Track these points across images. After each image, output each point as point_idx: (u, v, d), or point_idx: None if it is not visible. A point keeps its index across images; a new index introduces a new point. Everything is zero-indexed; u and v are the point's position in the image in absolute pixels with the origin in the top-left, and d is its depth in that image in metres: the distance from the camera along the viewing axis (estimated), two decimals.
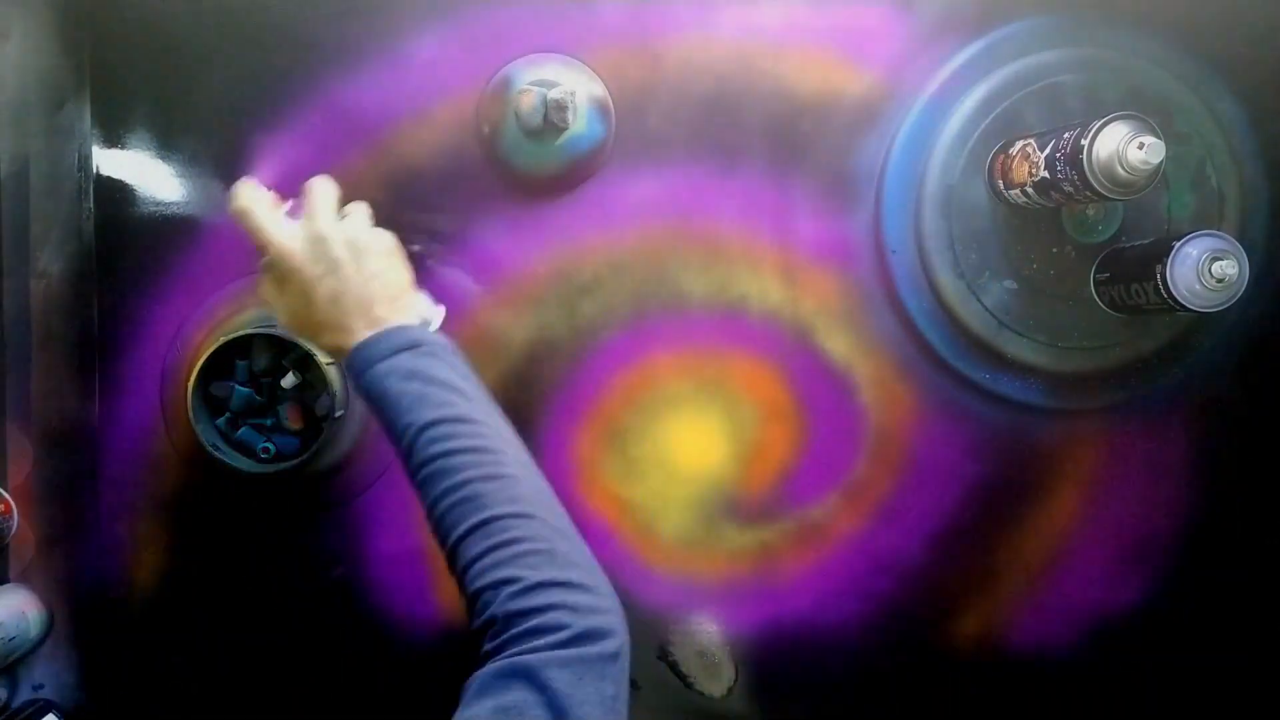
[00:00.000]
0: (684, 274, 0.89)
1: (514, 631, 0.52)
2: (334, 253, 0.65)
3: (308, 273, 0.65)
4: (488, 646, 0.53)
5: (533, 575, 0.54)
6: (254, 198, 0.67)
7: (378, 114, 0.87)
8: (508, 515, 0.56)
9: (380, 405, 0.61)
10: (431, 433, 0.59)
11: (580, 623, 0.53)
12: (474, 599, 0.55)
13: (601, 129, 0.87)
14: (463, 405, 0.61)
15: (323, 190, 0.68)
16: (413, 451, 0.59)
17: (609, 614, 0.55)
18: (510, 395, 0.89)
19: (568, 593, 0.54)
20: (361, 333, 0.64)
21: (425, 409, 0.60)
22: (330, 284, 0.64)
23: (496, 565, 0.54)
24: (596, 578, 0.57)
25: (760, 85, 0.88)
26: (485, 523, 0.56)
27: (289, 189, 0.87)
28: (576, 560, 0.57)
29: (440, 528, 0.58)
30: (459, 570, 0.56)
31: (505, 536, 0.55)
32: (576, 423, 0.90)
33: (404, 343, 0.63)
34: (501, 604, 0.53)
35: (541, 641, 0.51)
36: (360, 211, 0.69)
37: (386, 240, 0.68)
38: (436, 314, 0.70)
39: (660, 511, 0.90)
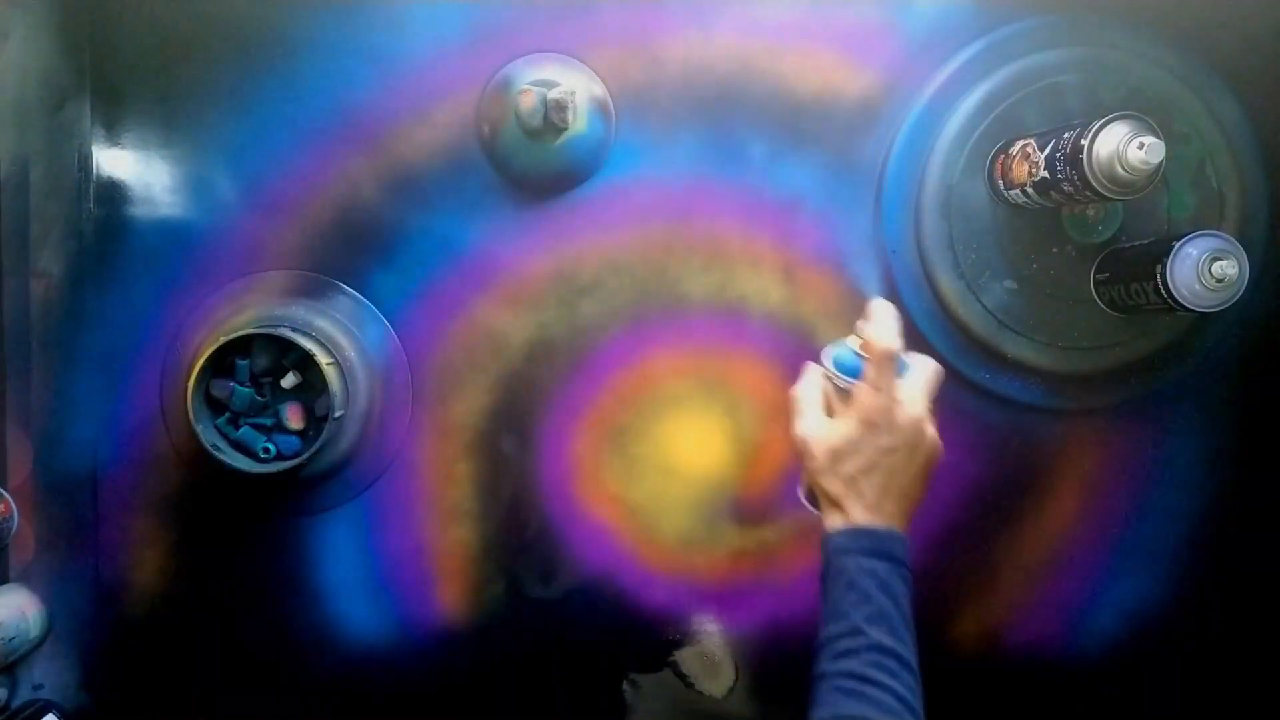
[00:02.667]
0: (684, 274, 0.89)
1: None
2: (917, 439, 0.68)
3: (888, 439, 0.68)
4: None
5: None
6: (897, 344, 0.69)
7: (378, 114, 0.87)
8: None
9: (844, 588, 0.65)
10: (875, 656, 0.63)
11: None
12: None
13: (601, 129, 0.87)
14: (909, 651, 0.65)
15: (936, 374, 0.71)
16: (847, 654, 0.63)
17: None
18: (510, 395, 0.89)
19: None
20: (866, 513, 0.67)
21: (880, 629, 0.63)
22: (891, 460, 0.68)
23: None
24: None
25: (760, 85, 0.88)
26: None
27: (289, 188, 0.87)
28: None
29: None
30: None
31: None
32: (576, 423, 0.90)
33: (900, 555, 0.66)
34: None
35: None
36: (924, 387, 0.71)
37: (938, 453, 0.70)
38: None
39: (660, 512, 0.90)
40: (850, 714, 0.61)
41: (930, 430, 0.70)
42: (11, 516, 0.85)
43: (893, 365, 0.69)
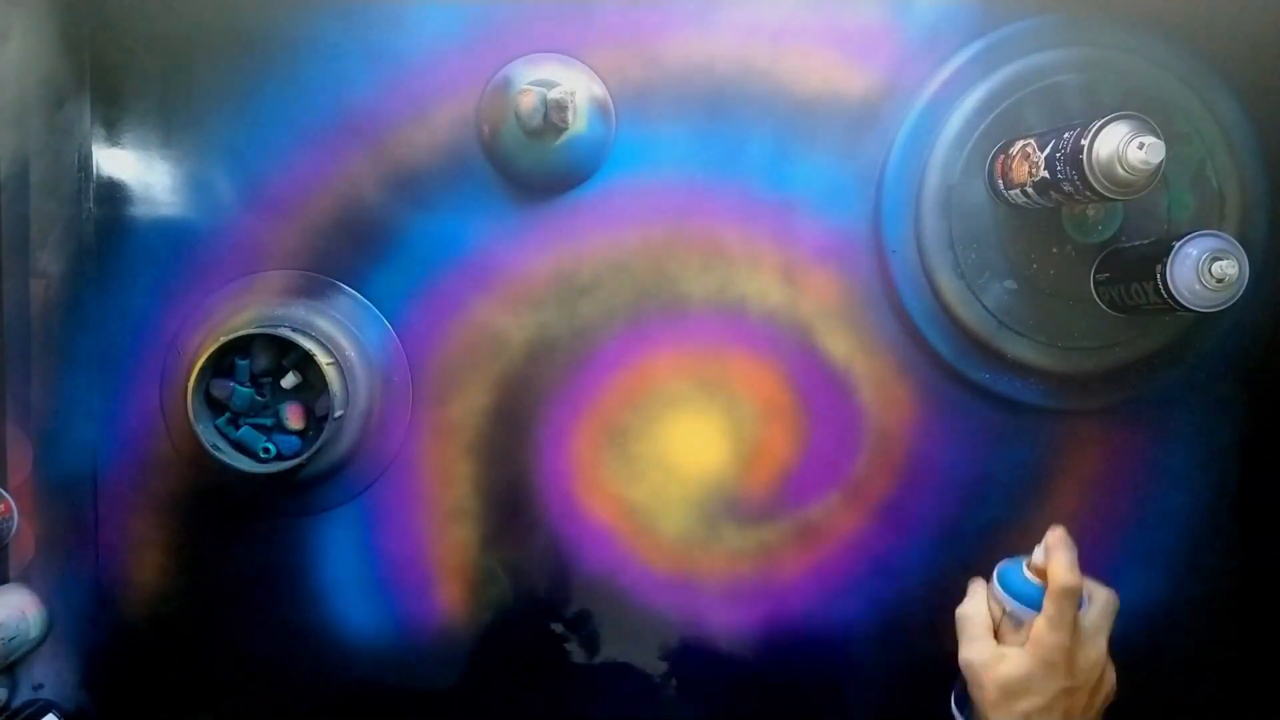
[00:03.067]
0: (684, 274, 0.89)
1: None
2: (1099, 688, 0.68)
3: (1067, 682, 0.66)
4: None
5: None
6: (1081, 581, 0.68)
7: (378, 114, 0.87)
8: None
9: None
10: None
11: None
12: None
13: (601, 129, 0.87)
14: None
15: (1113, 606, 0.70)
16: None
17: None
18: (510, 395, 0.89)
19: None
20: None
21: None
22: (1068, 703, 0.66)
23: None
24: None
25: (760, 85, 0.88)
26: None
27: (289, 188, 0.87)
28: None
29: None
30: None
31: None
32: (576, 423, 0.90)
33: None
34: None
35: None
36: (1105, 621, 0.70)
37: (1113, 688, 0.70)
38: None
39: (660, 512, 0.90)
40: None
41: (1111, 672, 0.69)
42: (11, 516, 0.85)
43: (1075, 602, 0.67)
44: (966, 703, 0.75)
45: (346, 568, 0.90)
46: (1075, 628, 0.67)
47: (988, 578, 0.76)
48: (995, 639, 0.70)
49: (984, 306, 0.87)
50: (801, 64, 0.88)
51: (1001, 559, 0.76)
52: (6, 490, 0.85)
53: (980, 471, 0.91)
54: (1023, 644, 0.68)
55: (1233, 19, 0.86)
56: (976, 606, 0.72)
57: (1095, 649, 0.67)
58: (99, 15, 0.86)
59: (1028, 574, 0.71)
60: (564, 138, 0.84)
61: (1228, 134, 0.86)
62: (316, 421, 0.85)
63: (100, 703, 0.90)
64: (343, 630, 0.90)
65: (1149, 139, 0.71)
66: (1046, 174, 0.77)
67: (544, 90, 0.82)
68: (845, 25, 0.87)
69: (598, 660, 0.91)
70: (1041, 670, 0.66)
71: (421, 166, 0.88)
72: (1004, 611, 0.71)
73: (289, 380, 0.85)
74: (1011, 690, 0.66)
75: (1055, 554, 0.68)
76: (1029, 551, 0.74)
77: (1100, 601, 0.70)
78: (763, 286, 0.89)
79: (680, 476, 0.90)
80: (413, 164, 0.88)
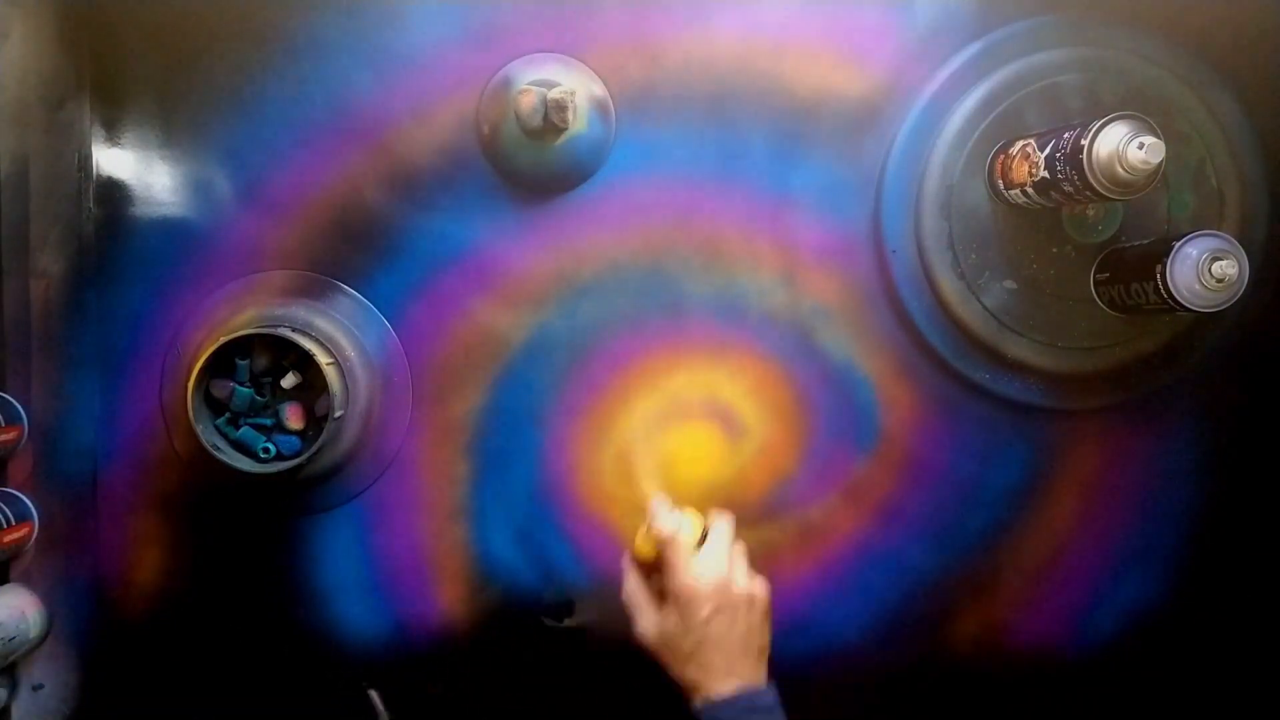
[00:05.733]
0: (684, 274, 0.89)
1: None
2: (729, 597, 0.73)
3: (701, 610, 0.73)
4: None
5: None
6: (673, 520, 0.77)
7: (378, 114, 0.87)
8: None
9: None
10: None
11: None
12: None
13: (601, 129, 0.87)
14: None
15: (727, 529, 0.78)
16: None
17: None
18: (510, 395, 0.89)
19: None
20: (723, 681, 0.72)
21: None
22: (715, 626, 0.73)
23: None
24: None
25: (760, 85, 0.88)
26: None
27: (289, 188, 0.87)
28: None
29: None
30: None
31: None
32: (576, 423, 0.90)
33: (761, 704, 0.71)
34: None
35: None
36: (739, 551, 0.78)
37: (765, 596, 0.76)
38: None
39: None
40: None
41: (738, 585, 0.75)
42: (30, 537, 0.85)
43: (683, 545, 0.75)
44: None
45: (346, 568, 0.90)
46: (690, 566, 0.74)
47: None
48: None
49: (984, 306, 0.87)
50: (801, 64, 0.88)
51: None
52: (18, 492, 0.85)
53: (980, 471, 0.91)
54: None
55: (1233, 19, 0.86)
56: (630, 586, 0.79)
57: (712, 573, 0.74)
58: (99, 15, 0.86)
59: (644, 540, 0.79)
60: (564, 138, 0.84)
61: (1228, 134, 0.86)
62: (316, 421, 0.85)
63: (100, 703, 0.90)
64: (343, 630, 0.90)
65: (1149, 139, 0.71)
66: (1046, 174, 0.78)
67: (544, 90, 0.82)
68: (845, 25, 0.87)
69: (597, 661, 0.91)
70: (680, 613, 0.73)
71: (421, 166, 0.88)
72: (649, 579, 0.79)
73: (289, 380, 0.85)
74: (670, 641, 0.74)
75: (655, 512, 0.78)
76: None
77: (714, 530, 0.78)
78: (763, 286, 0.89)
79: (680, 476, 0.90)
80: (413, 164, 0.88)
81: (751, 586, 0.76)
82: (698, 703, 0.72)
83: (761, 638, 0.75)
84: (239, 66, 0.87)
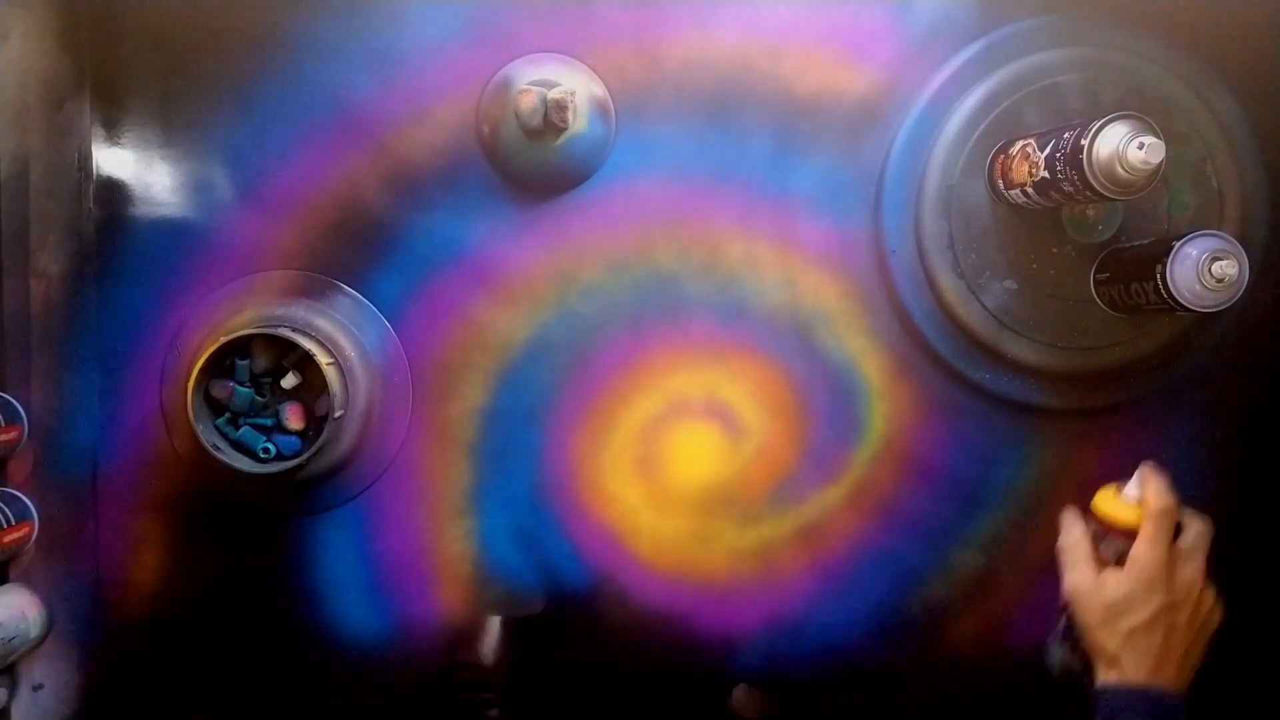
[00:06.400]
0: (684, 274, 0.89)
1: None
2: (1201, 604, 0.69)
3: (1169, 596, 0.68)
4: None
5: None
6: (1173, 504, 0.70)
7: (378, 114, 0.87)
8: None
9: None
10: None
11: None
12: None
13: (601, 129, 0.87)
14: None
15: (1207, 533, 0.71)
16: None
17: None
18: (510, 395, 0.89)
19: None
20: (1145, 675, 0.67)
21: None
22: (1171, 617, 0.68)
23: None
24: None
25: (760, 85, 0.88)
26: None
27: (289, 188, 0.87)
28: None
29: None
30: None
31: None
32: (576, 423, 0.90)
33: (1172, 708, 0.67)
34: None
35: None
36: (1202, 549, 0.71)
37: (1219, 622, 0.71)
38: None
39: (660, 511, 0.90)
40: None
41: (1211, 593, 0.70)
42: (31, 537, 0.85)
43: (1171, 522, 0.69)
44: (1064, 639, 0.75)
45: (346, 568, 0.90)
46: (1174, 548, 0.69)
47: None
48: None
49: (984, 306, 0.87)
50: (802, 64, 0.88)
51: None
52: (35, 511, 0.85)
53: (980, 471, 0.91)
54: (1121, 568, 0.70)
55: (1233, 19, 0.86)
56: (1074, 537, 0.73)
57: (1192, 567, 0.69)
58: (99, 15, 0.86)
59: (1121, 502, 0.72)
60: (564, 138, 0.84)
61: (1228, 134, 0.86)
62: (316, 421, 0.85)
63: (100, 703, 0.90)
64: (343, 630, 0.90)
65: (1149, 139, 0.71)
66: (1046, 174, 0.77)
67: (544, 90, 0.82)
68: (845, 25, 0.87)
69: (597, 660, 0.91)
70: (1142, 588, 0.68)
71: (421, 166, 0.88)
72: (1100, 540, 0.72)
73: (289, 380, 0.85)
74: (1115, 609, 0.68)
75: (1150, 481, 0.70)
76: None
77: (1195, 528, 0.71)
78: (763, 286, 0.89)
79: (680, 476, 0.90)
80: (413, 164, 0.88)
81: (1217, 603, 0.71)
82: (1111, 678, 0.68)
83: (1198, 656, 0.70)
84: (239, 66, 0.87)
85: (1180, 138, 0.84)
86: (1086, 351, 0.87)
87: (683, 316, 0.89)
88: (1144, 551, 0.69)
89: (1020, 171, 0.81)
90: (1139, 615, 0.68)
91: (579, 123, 0.84)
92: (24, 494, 0.85)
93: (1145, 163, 0.71)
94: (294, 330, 0.84)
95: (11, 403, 0.83)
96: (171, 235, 0.88)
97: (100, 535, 0.89)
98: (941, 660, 0.92)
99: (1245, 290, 0.75)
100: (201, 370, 0.82)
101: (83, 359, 0.88)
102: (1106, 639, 0.68)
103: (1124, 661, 0.68)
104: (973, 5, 0.87)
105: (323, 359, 0.82)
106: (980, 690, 0.92)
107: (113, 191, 0.88)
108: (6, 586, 0.85)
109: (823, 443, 0.90)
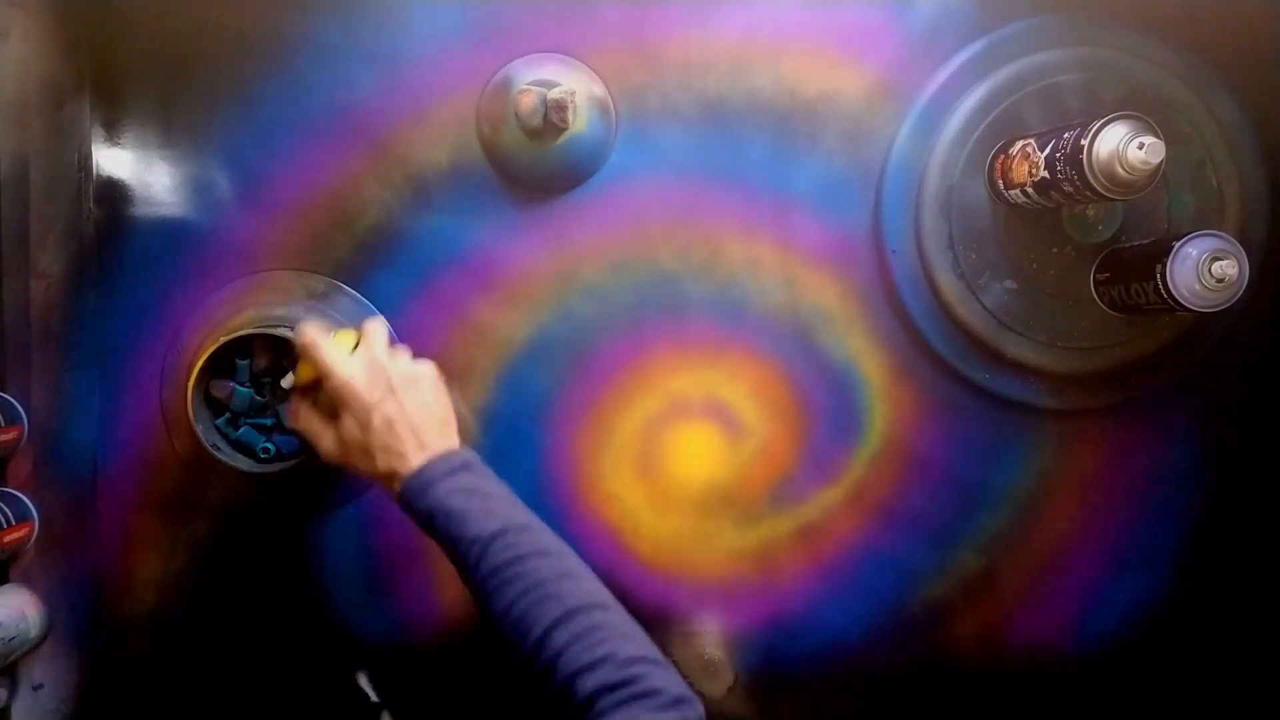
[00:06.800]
0: (684, 274, 0.89)
1: (618, 697, 0.57)
2: (390, 380, 0.72)
3: (366, 399, 0.71)
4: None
5: (624, 652, 0.60)
6: (319, 333, 0.74)
7: (378, 114, 0.87)
8: (587, 606, 0.62)
9: (445, 522, 0.67)
10: (501, 541, 0.65)
11: (673, 689, 0.59)
12: (570, 680, 0.59)
13: (601, 129, 0.87)
14: (521, 514, 0.68)
15: (378, 327, 0.76)
16: (484, 559, 0.65)
17: (686, 686, 0.60)
18: (510, 395, 0.89)
19: (656, 667, 0.60)
20: (415, 456, 0.70)
21: (490, 520, 0.66)
22: (386, 409, 0.71)
23: (590, 647, 0.60)
24: (664, 658, 0.63)
25: (760, 85, 0.88)
26: (570, 614, 0.61)
27: (290, 188, 0.87)
28: (649, 643, 0.63)
29: (520, 625, 0.62)
30: (547, 659, 0.60)
31: (590, 623, 0.61)
32: (576, 423, 0.90)
33: (459, 463, 0.70)
34: (601, 677, 0.58)
35: (648, 703, 0.57)
36: (403, 349, 0.76)
37: (431, 371, 0.75)
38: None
39: (660, 511, 0.90)
40: (525, 588, 0.63)
41: (398, 367, 0.73)
42: (31, 537, 0.85)
43: (327, 346, 0.73)
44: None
45: (346, 568, 0.90)
46: (329, 368, 0.72)
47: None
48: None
49: (984, 306, 0.87)
50: (801, 64, 0.88)
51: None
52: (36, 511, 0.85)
53: (980, 471, 0.91)
54: None
55: (1233, 19, 0.86)
56: (302, 416, 0.77)
57: (347, 367, 0.72)
58: (99, 15, 0.86)
59: (294, 374, 0.78)
60: (564, 138, 0.84)
61: (1228, 134, 0.86)
62: None
63: (100, 703, 0.90)
64: (343, 630, 0.90)
65: (1149, 139, 0.71)
66: (1046, 174, 0.78)
67: (544, 90, 0.82)
68: (845, 25, 0.87)
69: None
70: (353, 409, 0.72)
71: (421, 166, 0.88)
72: (315, 403, 0.77)
73: (289, 380, 0.85)
74: (352, 444, 0.72)
75: (300, 333, 0.75)
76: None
77: (368, 331, 0.76)
78: (763, 286, 0.89)
79: (680, 476, 0.90)
80: (413, 164, 0.88)
81: (414, 367, 0.74)
82: (396, 486, 0.70)
83: (442, 410, 0.73)
84: (239, 67, 0.87)
85: (1180, 138, 0.84)
86: (1086, 351, 0.87)
87: (683, 316, 0.89)
88: (330, 384, 0.73)
89: (1020, 171, 0.81)
90: (371, 427, 0.70)
91: (579, 123, 0.84)
92: (24, 494, 0.85)
93: (1145, 163, 0.71)
94: (294, 330, 0.83)
95: (11, 403, 0.83)
96: (171, 235, 0.88)
97: (100, 535, 0.89)
98: (941, 660, 0.92)
99: (1245, 290, 0.75)
100: (201, 370, 0.81)
101: (83, 359, 0.88)
102: (376, 466, 0.71)
103: (398, 465, 0.69)
104: (973, 5, 0.87)
105: None
106: (980, 690, 0.92)
107: (113, 191, 0.88)
108: (6, 586, 0.85)
109: (823, 443, 0.90)
